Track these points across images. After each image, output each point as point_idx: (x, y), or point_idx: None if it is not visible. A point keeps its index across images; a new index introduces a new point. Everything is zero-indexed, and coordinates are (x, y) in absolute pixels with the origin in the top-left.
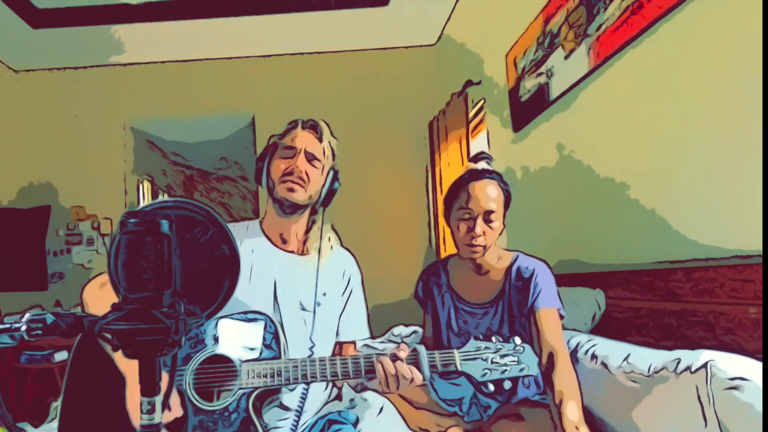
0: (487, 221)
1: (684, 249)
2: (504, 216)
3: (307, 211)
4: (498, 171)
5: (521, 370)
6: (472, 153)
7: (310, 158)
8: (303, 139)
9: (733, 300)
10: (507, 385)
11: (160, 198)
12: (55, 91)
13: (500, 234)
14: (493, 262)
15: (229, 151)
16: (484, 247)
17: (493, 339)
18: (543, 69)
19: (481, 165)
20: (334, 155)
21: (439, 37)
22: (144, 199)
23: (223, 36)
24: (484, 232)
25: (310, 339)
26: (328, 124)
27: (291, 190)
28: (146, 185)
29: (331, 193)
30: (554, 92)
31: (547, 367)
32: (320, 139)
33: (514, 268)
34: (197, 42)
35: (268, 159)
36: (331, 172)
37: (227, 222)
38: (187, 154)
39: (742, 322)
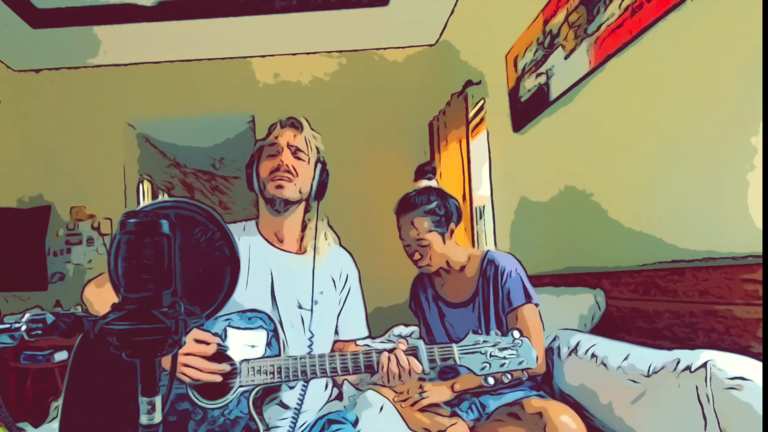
0: (422, 246)
1: (684, 249)
2: (449, 229)
3: (301, 208)
4: (433, 187)
5: (520, 363)
6: (473, 153)
7: (295, 152)
8: (284, 136)
9: (732, 300)
10: (506, 378)
11: (160, 198)
12: (55, 91)
13: (447, 246)
14: (463, 260)
15: (229, 151)
16: (430, 264)
17: (492, 332)
18: (543, 69)
19: (423, 183)
20: (318, 149)
21: (439, 37)
22: (144, 199)
23: (223, 36)
24: (421, 256)
25: (309, 337)
26: (307, 120)
27: (279, 186)
28: (146, 185)
29: (322, 185)
30: (554, 92)
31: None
32: (301, 133)
33: (485, 265)
34: (197, 42)
35: (256, 163)
36: (319, 165)
37: (227, 222)
38: (186, 154)
39: (741, 322)
